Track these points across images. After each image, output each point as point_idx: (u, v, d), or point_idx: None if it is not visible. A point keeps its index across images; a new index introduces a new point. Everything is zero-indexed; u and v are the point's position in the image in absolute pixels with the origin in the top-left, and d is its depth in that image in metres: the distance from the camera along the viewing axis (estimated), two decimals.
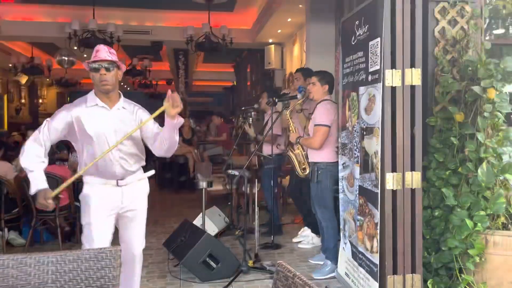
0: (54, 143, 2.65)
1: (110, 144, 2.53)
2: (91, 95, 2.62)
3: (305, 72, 4.71)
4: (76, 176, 2.58)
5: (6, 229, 4.53)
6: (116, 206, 2.66)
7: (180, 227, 4.24)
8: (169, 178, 9.07)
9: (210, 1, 7.80)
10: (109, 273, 1.59)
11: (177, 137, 2.58)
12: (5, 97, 3.79)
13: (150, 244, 4.85)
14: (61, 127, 2.55)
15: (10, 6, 8.17)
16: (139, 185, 2.79)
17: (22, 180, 4.12)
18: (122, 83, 15.24)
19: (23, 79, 13.26)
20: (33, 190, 2.45)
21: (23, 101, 14.63)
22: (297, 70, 5.01)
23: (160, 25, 9.06)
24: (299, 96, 4.21)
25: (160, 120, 2.59)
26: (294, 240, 4.88)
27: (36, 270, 1.55)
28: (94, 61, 2.51)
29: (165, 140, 2.56)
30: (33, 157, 2.48)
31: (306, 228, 4.87)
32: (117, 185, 2.65)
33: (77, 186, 4.12)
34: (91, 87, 2.69)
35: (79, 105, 2.60)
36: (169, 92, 2.42)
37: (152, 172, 2.93)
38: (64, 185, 2.50)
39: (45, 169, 2.53)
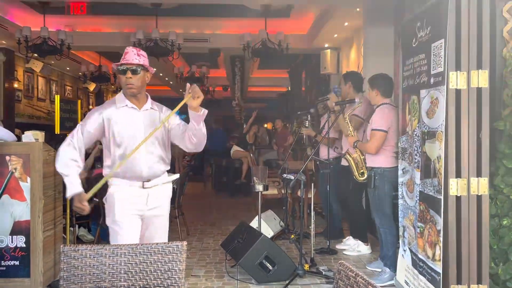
0: (88, 146, 2.67)
1: (137, 145, 2.49)
2: (120, 96, 2.63)
3: (347, 76, 4.75)
4: (106, 178, 2.53)
5: (76, 226, 4.78)
6: (141, 208, 2.63)
7: (237, 229, 4.31)
8: (225, 182, 9.24)
9: (267, 7, 7.88)
10: (175, 266, 1.65)
11: (204, 130, 2.51)
12: (79, 102, 4.07)
13: (207, 245, 5.00)
14: (93, 129, 2.57)
15: (82, 18, 8.63)
16: (163, 188, 2.74)
17: (93, 179, 4.32)
18: (181, 90, 15.69)
19: (91, 87, 14.00)
20: (68, 194, 2.47)
21: (91, 107, 15.49)
22: (343, 75, 4.98)
23: (218, 32, 9.25)
24: (357, 100, 4.17)
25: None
26: (337, 246, 4.81)
27: (111, 260, 1.64)
28: (121, 64, 2.51)
29: (193, 135, 2.51)
30: (68, 162, 2.50)
31: (350, 237, 4.79)
32: (143, 187, 2.61)
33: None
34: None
35: (110, 107, 2.61)
36: (188, 84, 2.40)
37: (176, 176, 2.85)
38: (97, 187, 2.46)
39: (80, 168, 2.54)
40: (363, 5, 6.26)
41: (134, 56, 2.53)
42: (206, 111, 2.46)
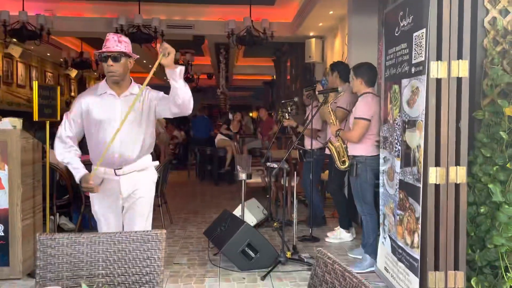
0: (79, 134, 2.65)
1: (113, 132, 2.45)
2: (102, 83, 2.62)
3: (334, 66, 4.75)
4: (101, 159, 2.50)
5: (57, 214, 4.74)
6: (116, 196, 2.63)
7: (220, 217, 4.31)
8: (209, 170, 9.23)
9: None
10: (154, 255, 1.65)
11: (187, 89, 2.45)
12: (58, 89, 4.00)
13: (190, 233, 5.01)
14: (77, 117, 2.59)
15: (63, 2, 8.48)
16: (141, 176, 2.67)
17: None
18: (165, 78, 15.55)
19: (73, 73, 13.81)
20: (77, 178, 2.52)
21: (73, 94, 15.26)
22: (330, 65, 4.97)
23: (202, 19, 9.17)
24: (340, 88, 4.19)
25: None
26: (328, 239, 4.81)
27: (88, 249, 1.63)
28: (102, 52, 2.48)
29: (175, 95, 2.44)
30: (64, 151, 2.56)
31: (339, 228, 4.84)
32: (115, 174, 2.59)
33: None
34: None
35: (90, 94, 2.63)
36: (159, 43, 2.36)
37: (155, 163, 2.78)
38: (95, 169, 2.55)
39: (79, 154, 2.59)
40: None
41: (115, 43, 2.50)
42: (183, 68, 2.43)
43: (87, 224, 4.98)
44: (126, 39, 2.58)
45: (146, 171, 2.71)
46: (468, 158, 3.08)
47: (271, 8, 8.71)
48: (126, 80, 2.61)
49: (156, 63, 2.39)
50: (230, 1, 8.18)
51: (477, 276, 3.17)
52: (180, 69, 2.40)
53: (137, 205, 2.67)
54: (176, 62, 10.43)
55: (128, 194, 2.64)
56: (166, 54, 2.33)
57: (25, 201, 3.64)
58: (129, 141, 2.57)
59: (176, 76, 2.38)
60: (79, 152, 2.60)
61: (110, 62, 2.48)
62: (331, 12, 7.51)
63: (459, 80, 2.90)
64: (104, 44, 2.51)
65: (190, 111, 2.58)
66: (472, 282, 3.14)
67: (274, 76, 15.65)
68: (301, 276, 3.67)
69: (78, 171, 2.52)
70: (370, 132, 3.81)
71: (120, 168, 2.59)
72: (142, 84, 2.59)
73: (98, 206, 2.66)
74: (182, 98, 2.44)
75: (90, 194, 2.66)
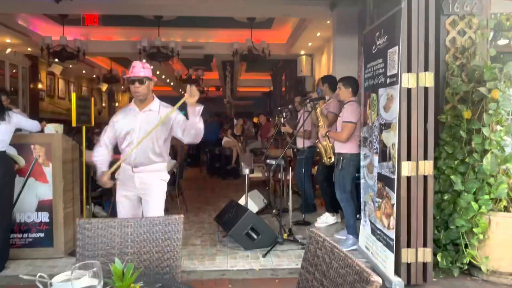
0: (112, 142, 2.78)
1: (134, 139, 2.62)
2: (132, 101, 2.75)
3: (324, 79, 4.71)
4: (118, 163, 2.68)
5: (92, 204, 4.74)
6: (132, 188, 2.72)
7: (228, 205, 4.31)
8: (218, 167, 9.20)
9: (252, 20, 7.83)
10: (173, 236, 1.65)
11: (200, 124, 2.52)
12: (92, 100, 4.02)
13: (203, 219, 4.99)
14: (112, 130, 2.74)
15: (95, 28, 8.51)
16: (151, 176, 2.71)
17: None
18: (180, 90, 15.54)
19: (104, 87, 13.80)
20: (98, 173, 2.71)
21: (103, 104, 15.24)
22: (320, 79, 4.98)
23: (211, 41, 9.18)
24: (327, 97, 4.19)
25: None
26: (316, 224, 4.77)
27: (119, 231, 1.63)
28: (130, 77, 2.59)
29: (191, 128, 2.53)
30: (98, 154, 2.74)
31: (326, 213, 4.82)
32: (132, 171, 2.69)
33: None
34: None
35: (123, 109, 2.80)
36: (188, 86, 2.43)
37: (173, 162, 2.87)
38: (113, 168, 2.67)
39: (109, 158, 2.76)
40: (332, 18, 6.26)
41: (140, 69, 2.60)
42: (202, 107, 2.49)
43: (116, 212, 4.96)
44: (148, 66, 2.69)
45: (157, 173, 2.76)
46: (434, 154, 3.09)
47: (269, 31, 8.71)
48: (148, 97, 2.69)
49: (182, 100, 2.45)
50: (234, 25, 8.18)
51: (442, 252, 3.19)
52: (199, 108, 2.47)
53: (150, 196, 2.74)
54: (189, 77, 10.41)
55: (141, 187, 2.71)
56: (191, 95, 2.38)
57: (66, 193, 3.65)
58: (143, 149, 2.64)
59: (195, 112, 2.46)
60: (109, 155, 2.77)
61: (136, 84, 2.58)
62: (318, 34, 7.52)
63: (426, 89, 2.91)
64: (130, 70, 2.62)
65: (198, 141, 2.67)
66: (438, 257, 3.15)
67: (271, 88, 15.65)
68: (295, 254, 3.67)
69: (101, 168, 2.70)
70: (354, 133, 3.81)
71: (136, 167, 2.68)
72: (164, 98, 2.76)
73: (119, 193, 2.78)
74: (195, 130, 2.53)
75: (117, 185, 2.79)
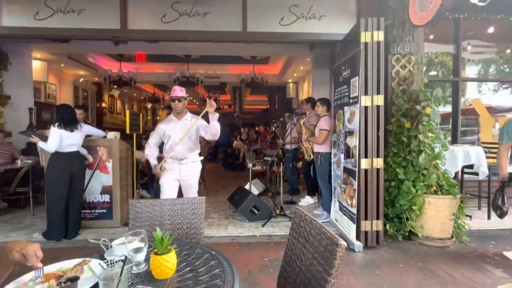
0: (159, 142, 2.76)
1: (177, 141, 2.63)
2: (172, 114, 2.73)
3: (307, 100, 4.69)
4: (164, 159, 2.68)
5: (140, 188, 4.73)
6: (175, 175, 2.68)
7: (237, 190, 4.30)
8: (229, 162, 9.18)
9: (254, 58, 7.84)
10: (198, 211, 1.65)
11: (217, 126, 2.55)
12: (140, 115, 4.03)
13: (219, 200, 4.97)
14: (158, 135, 2.73)
15: (143, 64, 8.54)
16: (192, 165, 2.73)
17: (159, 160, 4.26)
18: (203, 108, 15.51)
19: (148, 105, 13.81)
20: (152, 166, 2.71)
21: (148, 118, 15.23)
22: (303, 100, 4.95)
23: (225, 73, 9.19)
24: (307, 112, 4.19)
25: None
26: (299, 203, 4.79)
27: (159, 208, 1.62)
28: (172, 96, 2.62)
29: (210, 129, 2.56)
30: (150, 152, 2.72)
31: (307, 196, 4.81)
32: (179, 163, 2.68)
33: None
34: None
35: (165, 121, 2.75)
36: (208, 99, 2.48)
37: (200, 158, 2.85)
38: (161, 162, 2.66)
39: (157, 155, 2.71)
40: (311, 56, 6.27)
41: (179, 91, 2.64)
42: (218, 115, 2.55)
43: (157, 194, 4.95)
44: (183, 89, 2.71)
45: (195, 163, 2.76)
46: (384, 153, 3.08)
47: (266, 65, 8.71)
48: (183, 111, 2.71)
49: (204, 111, 2.54)
50: (241, 62, 8.19)
51: (390, 223, 3.18)
52: (216, 115, 2.54)
53: (190, 180, 2.73)
54: (209, 98, 10.38)
55: (185, 174, 2.70)
56: (211, 106, 2.47)
57: (122, 181, 3.66)
58: (184, 146, 2.67)
59: (214, 118, 2.53)
60: (157, 152, 2.74)
61: (176, 102, 2.64)
62: (301, 67, 7.52)
63: (378, 107, 2.90)
64: (172, 91, 2.65)
65: (217, 138, 2.67)
66: (387, 227, 3.14)
67: (268, 106, 15.62)
68: (285, 224, 3.66)
69: (152, 162, 2.71)
70: (328, 138, 3.80)
71: (182, 159, 2.68)
72: (192, 112, 2.77)
73: (164, 178, 2.70)
74: (214, 131, 2.57)
75: (163, 173, 2.73)
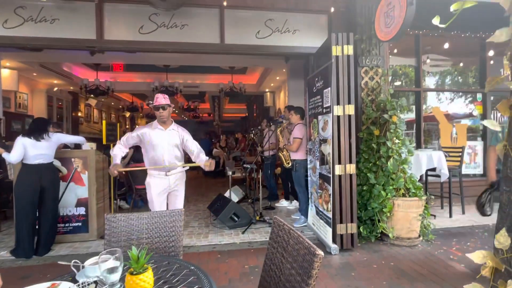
0: (130, 145, 2.57)
1: (163, 151, 2.47)
2: (155, 122, 2.57)
3: (287, 108, 4.72)
4: (143, 168, 2.53)
5: (118, 199, 4.52)
6: (165, 188, 2.56)
7: (217, 198, 4.22)
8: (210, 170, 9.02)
9: (232, 68, 7.84)
10: (177, 224, 1.58)
11: (204, 158, 2.53)
12: (118, 125, 3.86)
13: (199, 208, 4.85)
14: (134, 137, 2.52)
15: (120, 73, 8.26)
16: (179, 175, 2.63)
17: (128, 172, 4.10)
18: (183, 116, 15.24)
19: (127, 114, 13.35)
20: (111, 165, 2.44)
21: (127, 126, 14.69)
22: (285, 107, 4.99)
23: (204, 82, 9.10)
24: (284, 121, 4.22)
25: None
26: (276, 204, 4.79)
27: (136, 222, 1.54)
28: (156, 105, 2.49)
29: (196, 157, 2.56)
30: (117, 150, 2.49)
31: (283, 199, 4.83)
32: (166, 175, 2.55)
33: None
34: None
35: (148, 127, 2.55)
36: (209, 163, 2.42)
37: (186, 167, 2.73)
38: (127, 169, 2.54)
39: (124, 154, 2.50)
40: (287, 68, 6.38)
41: (162, 99, 2.50)
42: (213, 162, 2.46)
43: (136, 205, 4.77)
44: (167, 96, 2.57)
45: (182, 173, 2.67)
46: (356, 159, 3.15)
47: (244, 75, 8.74)
48: (169, 120, 2.58)
49: (200, 164, 2.47)
50: (220, 72, 8.17)
51: (363, 225, 3.24)
52: (211, 162, 2.43)
53: (178, 191, 2.62)
54: (189, 107, 10.10)
55: (174, 186, 2.58)
56: (210, 167, 2.40)
57: (98, 192, 3.47)
58: (170, 156, 2.55)
59: (203, 165, 2.45)
60: (125, 153, 2.51)
61: (161, 110, 2.48)
62: (277, 78, 7.61)
63: (349, 116, 2.96)
64: (155, 100, 2.51)
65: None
66: (361, 229, 3.19)
67: (247, 114, 15.64)
68: (265, 230, 3.63)
69: (115, 161, 2.45)
70: (302, 145, 3.84)
71: (169, 171, 2.54)
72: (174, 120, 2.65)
73: (154, 192, 2.53)
74: (198, 161, 2.54)
75: (149, 187, 2.54)
